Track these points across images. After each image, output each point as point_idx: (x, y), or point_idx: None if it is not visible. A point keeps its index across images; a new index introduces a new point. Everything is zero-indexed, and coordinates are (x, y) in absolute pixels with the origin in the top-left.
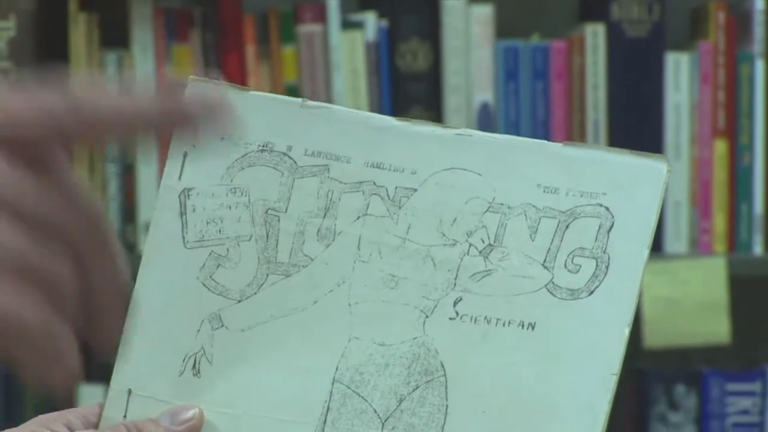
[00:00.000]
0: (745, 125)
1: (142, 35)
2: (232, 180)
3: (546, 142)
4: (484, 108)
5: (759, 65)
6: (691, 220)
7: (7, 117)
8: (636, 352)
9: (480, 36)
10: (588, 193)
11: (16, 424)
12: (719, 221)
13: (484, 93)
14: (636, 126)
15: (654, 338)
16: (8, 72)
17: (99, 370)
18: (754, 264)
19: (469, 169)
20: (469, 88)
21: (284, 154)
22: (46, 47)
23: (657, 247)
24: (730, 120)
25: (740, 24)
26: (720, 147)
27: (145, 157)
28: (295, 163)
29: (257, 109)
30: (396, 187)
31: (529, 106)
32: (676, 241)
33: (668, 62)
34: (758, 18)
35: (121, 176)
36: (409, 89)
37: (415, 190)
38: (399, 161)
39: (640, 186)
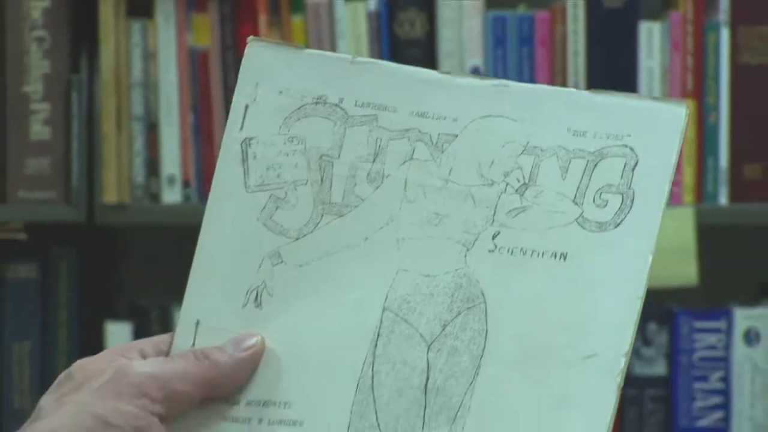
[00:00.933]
0: (711, 87)
1: (165, 6)
2: (289, 130)
3: (575, 90)
4: (475, 72)
5: (724, 33)
6: None
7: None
8: None
9: (471, 7)
10: (614, 135)
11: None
12: (688, 174)
13: (475, 58)
14: (612, 89)
15: None
16: (43, 40)
17: (124, 308)
18: (719, 213)
19: (505, 116)
20: (462, 54)
21: (336, 105)
22: (77, 17)
23: None
24: (698, 83)
25: None
26: (689, 107)
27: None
28: (346, 113)
29: (311, 66)
30: (439, 134)
31: (516, 71)
32: None
33: (642, 31)
34: None
35: (146, 134)
36: (406, 55)
37: (456, 136)
38: (441, 110)
39: (662, 127)
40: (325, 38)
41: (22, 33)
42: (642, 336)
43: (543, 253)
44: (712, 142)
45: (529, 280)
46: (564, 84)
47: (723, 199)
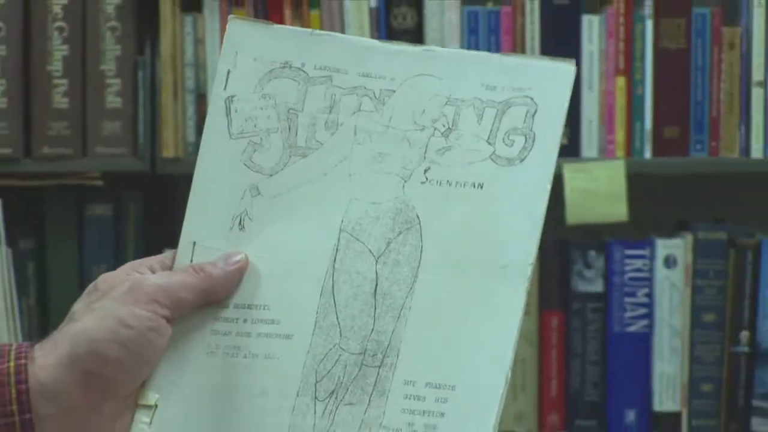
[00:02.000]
0: (638, 67)
1: (211, 3)
2: (263, 89)
3: (488, 53)
4: None
5: (648, 24)
6: (600, 133)
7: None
8: (561, 228)
9: (451, 4)
10: (518, 88)
11: None
12: (620, 134)
13: (454, 45)
14: None
15: (573, 217)
16: (116, 29)
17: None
18: (644, 165)
19: (432, 74)
20: (443, 41)
21: (299, 69)
22: (142, 12)
23: (575, 152)
24: (628, 63)
25: None
26: (620, 82)
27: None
28: (308, 75)
29: (279, 38)
30: (380, 90)
31: None
32: (589, 148)
33: (584, 22)
34: None
35: (196, 102)
36: (400, 41)
37: (394, 91)
38: (382, 71)
39: (556, 82)
40: (336, 28)
41: (98, 24)
42: (584, 261)
43: (464, 184)
44: (639, 109)
45: (453, 205)
46: None
47: (647, 154)
